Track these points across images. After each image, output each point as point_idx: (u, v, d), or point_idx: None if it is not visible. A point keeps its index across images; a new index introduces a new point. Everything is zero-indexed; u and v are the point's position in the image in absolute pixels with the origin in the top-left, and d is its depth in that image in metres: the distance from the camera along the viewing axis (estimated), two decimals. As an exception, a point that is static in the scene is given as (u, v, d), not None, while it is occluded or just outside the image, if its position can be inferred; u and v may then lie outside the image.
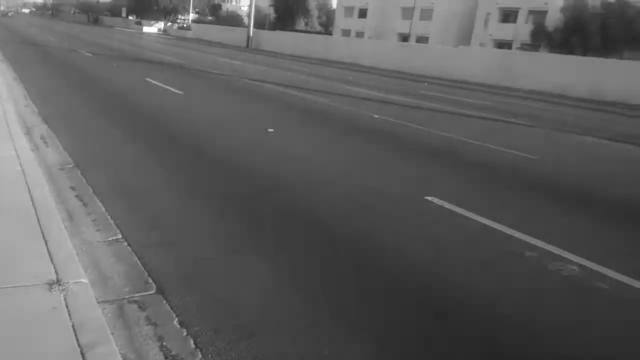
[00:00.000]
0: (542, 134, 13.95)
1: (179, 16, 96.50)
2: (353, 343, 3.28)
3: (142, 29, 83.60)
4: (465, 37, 58.40)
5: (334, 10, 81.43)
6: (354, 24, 70.35)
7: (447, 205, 6.30)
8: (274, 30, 68.40)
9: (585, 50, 42.10)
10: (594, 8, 43.04)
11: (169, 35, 78.23)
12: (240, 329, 3.30)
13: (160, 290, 3.70)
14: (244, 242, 4.74)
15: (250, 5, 60.62)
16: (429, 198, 6.53)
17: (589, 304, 4.14)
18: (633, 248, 5.64)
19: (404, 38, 60.41)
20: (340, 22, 73.01)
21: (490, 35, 52.69)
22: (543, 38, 46.01)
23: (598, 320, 3.92)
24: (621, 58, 41.05)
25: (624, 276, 4.64)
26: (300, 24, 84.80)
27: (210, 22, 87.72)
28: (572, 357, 3.38)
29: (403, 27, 61.31)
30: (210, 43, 59.09)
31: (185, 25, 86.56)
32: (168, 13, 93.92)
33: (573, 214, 6.63)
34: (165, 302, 3.56)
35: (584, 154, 11.71)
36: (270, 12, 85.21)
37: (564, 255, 4.99)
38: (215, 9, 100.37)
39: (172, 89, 14.96)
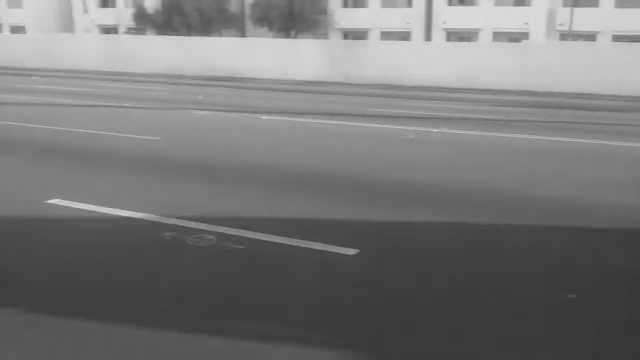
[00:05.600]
0: (160, 115, 14.25)
1: None
2: None
3: None
4: (68, 24, 54.90)
5: None
6: None
7: (74, 204, 5.84)
8: None
9: (188, 30, 44.55)
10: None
11: None
12: None
13: None
14: None
15: None
16: (53, 201, 5.94)
17: (227, 266, 4.41)
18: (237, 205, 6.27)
19: (-5, 28, 53.21)
20: None
21: (94, 20, 50.79)
22: (147, 21, 46.70)
23: (238, 277, 4.21)
24: (221, 36, 45.03)
25: (256, 233, 5.12)
26: None
27: None
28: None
29: (-10, 16, 53.81)
30: None
31: None
32: None
33: (200, 186, 6.98)
34: None
35: (204, 128, 12.41)
36: None
37: (201, 228, 5.21)
38: None
39: None
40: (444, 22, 38.80)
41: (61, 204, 5.89)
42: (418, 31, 39.38)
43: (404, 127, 12.43)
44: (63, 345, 3.19)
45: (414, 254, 4.77)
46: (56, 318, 3.50)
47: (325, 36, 43.05)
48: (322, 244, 4.85)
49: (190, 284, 4.04)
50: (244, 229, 5.21)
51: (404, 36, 41.56)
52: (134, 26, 47.93)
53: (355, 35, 43.51)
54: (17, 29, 53.92)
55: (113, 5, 50.77)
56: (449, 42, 36.12)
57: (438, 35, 38.15)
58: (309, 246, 4.81)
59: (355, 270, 4.38)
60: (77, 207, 5.80)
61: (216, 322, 3.50)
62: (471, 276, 4.30)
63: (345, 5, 45.26)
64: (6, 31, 52.59)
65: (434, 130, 12.09)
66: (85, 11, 52.11)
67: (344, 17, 43.80)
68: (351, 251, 4.72)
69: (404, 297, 3.91)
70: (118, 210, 5.71)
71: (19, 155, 8.64)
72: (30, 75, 27.65)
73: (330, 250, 4.72)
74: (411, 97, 21.14)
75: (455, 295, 3.96)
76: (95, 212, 5.65)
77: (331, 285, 4.06)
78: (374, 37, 41.93)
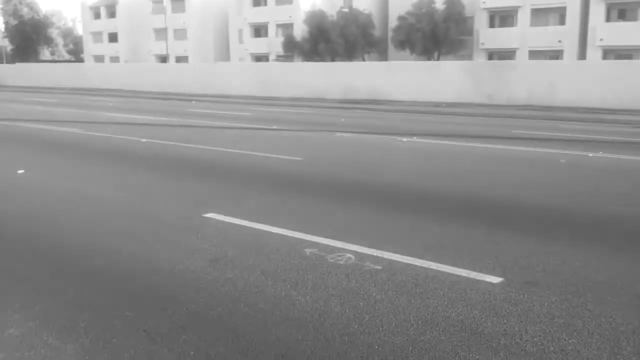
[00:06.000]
0: (304, 136, 14.82)
1: None
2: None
3: None
4: (224, 53, 59.59)
5: (81, 37, 76.36)
6: (106, 48, 66.90)
7: (226, 219, 6.26)
8: (13, 63, 61.37)
9: (333, 55, 46.11)
10: (332, 17, 47.34)
11: None
12: None
13: None
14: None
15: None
16: (208, 215, 6.42)
17: (366, 286, 4.42)
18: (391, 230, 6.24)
19: (162, 59, 59.28)
20: (90, 48, 68.79)
21: (247, 49, 54.52)
22: (295, 48, 49.13)
23: (378, 297, 4.20)
24: (363, 60, 45.97)
25: (394, 254, 5.10)
26: (45, 53, 77.99)
27: None
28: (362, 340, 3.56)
29: (159, 48, 60.06)
30: None
31: None
32: None
33: (340, 206, 7.11)
34: None
35: (345, 149, 12.69)
36: (6, 44, 76.62)
37: (340, 246, 5.31)
38: None
39: None
40: (601, 40, 36.07)
41: (215, 217, 6.35)
42: (571, 49, 36.95)
43: (555, 151, 11.67)
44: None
45: (565, 287, 4.42)
46: (210, 319, 3.76)
47: (468, 57, 42.09)
48: (464, 270, 4.69)
49: (330, 301, 4.11)
50: (382, 249, 5.21)
51: (555, 55, 39.30)
52: (282, 54, 50.65)
53: (501, 55, 42.02)
54: (181, 59, 59.70)
55: (265, 35, 54.13)
56: (606, 61, 33.48)
57: (593, 54, 35.50)
58: (449, 271, 4.67)
59: (499, 300, 4.16)
60: (228, 221, 6.21)
61: (353, 337, 3.52)
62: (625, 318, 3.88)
63: (491, 25, 44.00)
64: (172, 61, 58.29)
65: (590, 154, 11.21)
66: (241, 41, 56.17)
67: (490, 37, 42.55)
68: (495, 279, 4.50)
69: (550, 334, 3.63)
70: (263, 225, 6.01)
71: (180, 171, 9.47)
72: (190, 100, 30.31)
73: (473, 277, 4.54)
74: (563, 119, 19.83)
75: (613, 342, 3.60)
76: (244, 226, 6.01)
77: (473, 314, 3.90)
78: (521, 57, 40.16)
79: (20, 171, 9.12)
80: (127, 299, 4.19)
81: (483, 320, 3.80)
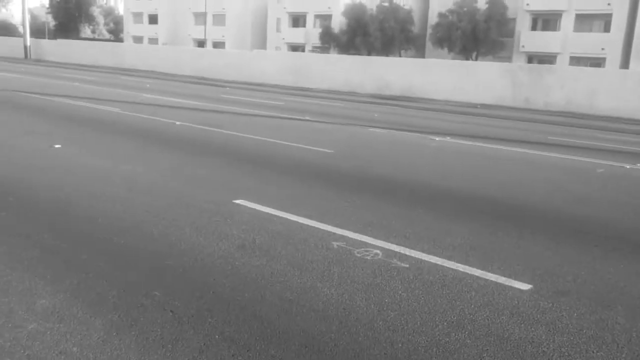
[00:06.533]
0: (336, 129, 14.79)
1: None
2: None
3: None
4: (261, 41, 59.82)
5: (122, 17, 77.47)
6: (146, 30, 67.77)
7: (255, 206, 6.30)
8: (55, 39, 62.65)
9: (370, 49, 45.90)
10: (372, 10, 47.06)
11: None
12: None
13: None
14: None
15: (23, 12, 54.74)
16: (238, 201, 6.47)
17: (392, 283, 4.40)
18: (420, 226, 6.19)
19: (200, 43, 59.82)
20: (130, 28, 69.77)
21: (284, 39, 54.65)
22: (331, 40, 49.04)
23: (403, 296, 4.18)
24: (400, 56, 45.63)
25: (422, 253, 5.06)
26: (86, 31, 79.31)
27: (-24, 33, 77.28)
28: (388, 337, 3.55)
29: (198, 32, 60.62)
30: (-22, 55, 52.14)
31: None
32: None
33: (368, 201, 7.08)
34: None
35: (377, 145, 12.62)
36: (49, 20, 78.24)
37: (367, 241, 5.30)
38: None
39: None
40: (646, 49, 35.03)
41: (245, 204, 6.39)
42: (614, 57, 36.00)
43: (593, 160, 11.42)
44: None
45: (596, 299, 4.33)
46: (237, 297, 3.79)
47: (507, 59, 41.42)
48: (493, 274, 4.63)
49: (355, 295, 4.11)
50: (410, 247, 5.18)
51: (597, 62, 38.41)
52: (318, 45, 50.60)
53: (541, 59, 41.27)
54: (218, 44, 60.13)
55: (303, 25, 54.16)
56: (652, 70, 32.52)
57: (637, 64, 34.52)
58: (477, 274, 4.62)
59: (527, 307, 4.09)
60: (258, 208, 6.24)
61: (377, 333, 3.51)
62: (666, 333, 3.78)
63: (533, 27, 43.18)
64: (209, 46, 58.75)
65: (627, 166, 10.94)
66: (278, 30, 56.30)
67: (531, 40, 41.79)
68: (524, 286, 4.43)
69: (577, 345, 3.56)
70: (292, 215, 6.03)
71: (212, 156, 9.56)
72: (224, 87, 30.53)
73: (502, 282, 4.48)
74: (601, 128, 19.37)
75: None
76: (273, 214, 6.03)
77: (500, 320, 3.85)
78: (562, 62, 39.36)
79: (57, 146, 9.32)
80: (155, 278, 4.25)
81: (510, 326, 3.75)
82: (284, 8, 54.51)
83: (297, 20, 55.27)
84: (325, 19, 51.88)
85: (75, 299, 3.83)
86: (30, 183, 6.97)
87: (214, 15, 60.09)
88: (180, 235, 5.22)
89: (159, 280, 4.22)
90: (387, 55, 43.27)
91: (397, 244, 5.26)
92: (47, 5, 79.82)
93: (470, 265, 4.80)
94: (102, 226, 5.42)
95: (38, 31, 71.51)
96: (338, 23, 49.24)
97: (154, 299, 3.87)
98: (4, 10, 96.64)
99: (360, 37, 46.09)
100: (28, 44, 52.81)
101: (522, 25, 42.29)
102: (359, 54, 42.63)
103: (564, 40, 40.01)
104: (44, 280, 4.11)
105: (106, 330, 3.42)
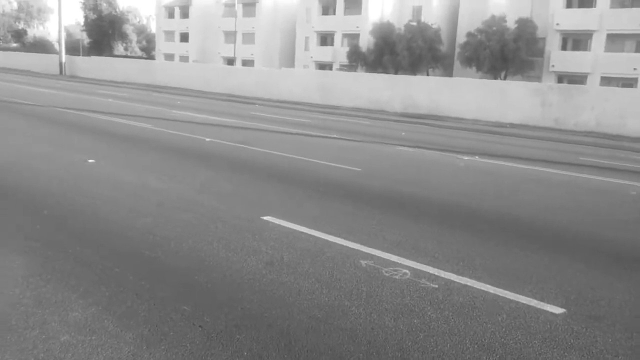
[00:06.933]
0: (364, 147, 14.78)
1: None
2: None
3: None
4: (289, 59, 60.43)
5: (154, 34, 79.17)
6: (177, 47, 69.09)
7: (283, 223, 6.32)
8: (89, 56, 64.28)
9: (397, 68, 45.93)
10: (400, 29, 47.17)
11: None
12: None
13: None
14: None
15: (59, 30, 56.38)
16: (267, 218, 6.50)
17: (421, 304, 4.35)
18: (448, 247, 6.13)
19: (230, 61, 60.67)
20: (162, 46, 71.19)
21: (312, 57, 55.07)
22: (359, 58, 49.23)
23: (431, 315, 4.13)
24: (427, 74, 45.56)
25: (451, 274, 5.00)
26: (119, 48, 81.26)
27: (15, 50, 79.73)
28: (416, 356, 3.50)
29: (227, 50, 61.53)
30: (17, 71, 53.74)
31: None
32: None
33: (396, 220, 7.04)
34: None
35: (405, 163, 12.58)
36: (84, 37, 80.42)
37: (395, 260, 5.26)
38: (20, 35, 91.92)
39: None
40: (680, 70, 34.38)
41: (273, 221, 6.42)
42: (647, 77, 35.43)
43: (625, 182, 11.18)
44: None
45: (631, 324, 4.21)
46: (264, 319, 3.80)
47: (537, 79, 40.98)
48: (525, 297, 4.55)
49: (384, 315, 4.07)
50: (439, 268, 5.13)
51: (629, 83, 37.76)
52: (346, 63, 50.86)
53: (572, 79, 40.70)
54: (247, 62, 60.90)
55: (331, 44, 54.56)
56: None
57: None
58: (509, 297, 4.54)
59: (561, 331, 4.00)
60: (286, 225, 6.26)
61: (406, 354, 3.47)
62: None
63: (563, 47, 42.74)
64: (238, 64, 59.57)
65: (662, 188, 10.68)
66: (306, 48, 56.82)
67: (561, 60, 41.30)
68: (557, 310, 4.34)
69: (619, 372, 3.47)
70: (320, 232, 6.03)
71: (241, 172, 9.64)
72: (253, 104, 30.85)
73: (534, 305, 4.40)
74: (633, 150, 18.99)
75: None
76: (301, 232, 6.04)
77: (532, 343, 3.77)
78: (592, 82, 38.78)
79: (90, 160, 9.52)
80: (185, 293, 4.29)
81: (543, 351, 3.67)
82: (313, 27, 55.03)
83: (325, 39, 55.71)
84: (353, 37, 52.17)
85: (106, 311, 3.88)
86: (64, 197, 7.12)
87: (243, 34, 60.98)
88: (209, 251, 5.26)
89: (189, 295, 4.26)
90: (414, 74, 43.24)
91: (426, 264, 5.22)
92: (82, 23, 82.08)
93: (501, 287, 4.73)
94: (133, 240, 5.50)
95: (73, 48, 73.50)
96: (366, 42, 49.46)
97: (183, 314, 3.90)
98: (41, 27, 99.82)
99: (387, 55, 46.18)
100: (63, 60, 54.28)
101: (552, 45, 41.87)
102: (386, 73, 42.69)
103: (594, 60, 39.47)
104: (76, 292, 4.18)
105: (136, 344, 3.46)
